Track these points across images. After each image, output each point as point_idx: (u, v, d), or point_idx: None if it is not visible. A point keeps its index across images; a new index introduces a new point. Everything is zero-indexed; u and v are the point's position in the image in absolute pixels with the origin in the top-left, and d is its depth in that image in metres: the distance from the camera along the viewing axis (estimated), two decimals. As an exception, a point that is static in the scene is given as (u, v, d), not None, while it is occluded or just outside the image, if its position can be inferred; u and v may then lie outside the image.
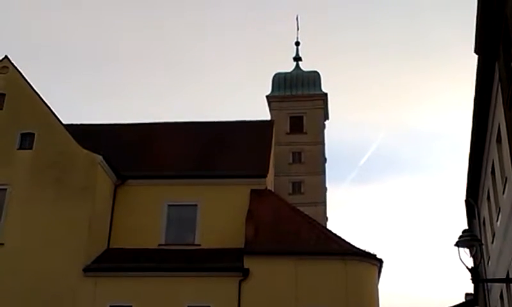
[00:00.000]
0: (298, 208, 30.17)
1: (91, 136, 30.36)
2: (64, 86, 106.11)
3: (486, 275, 19.94)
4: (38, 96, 28.34)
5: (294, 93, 54.54)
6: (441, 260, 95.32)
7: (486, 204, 18.55)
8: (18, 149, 27.39)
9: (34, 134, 27.59)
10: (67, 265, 25.11)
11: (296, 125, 52.62)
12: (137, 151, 31.31)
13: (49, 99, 28.83)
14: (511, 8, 10.91)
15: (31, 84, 28.59)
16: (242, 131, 33.16)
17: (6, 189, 26.68)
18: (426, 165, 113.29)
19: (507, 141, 13.17)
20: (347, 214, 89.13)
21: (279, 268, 24.80)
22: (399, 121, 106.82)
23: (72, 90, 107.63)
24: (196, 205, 28.48)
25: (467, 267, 12.26)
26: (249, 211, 27.00)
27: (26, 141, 27.54)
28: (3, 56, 28.98)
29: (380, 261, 26.26)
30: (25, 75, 28.73)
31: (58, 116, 28.27)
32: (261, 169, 29.55)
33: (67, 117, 41.79)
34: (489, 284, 20.11)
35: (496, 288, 18.38)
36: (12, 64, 28.78)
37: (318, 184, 50.66)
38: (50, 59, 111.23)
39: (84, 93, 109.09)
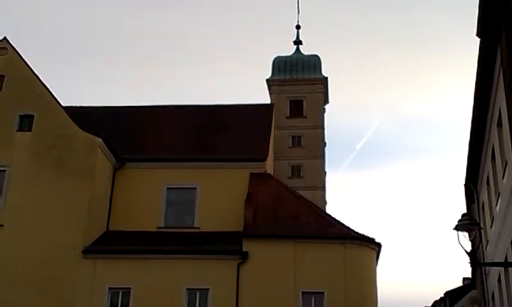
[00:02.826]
0: (297, 192, 30.19)
1: (91, 119, 30.29)
2: (63, 68, 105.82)
3: (484, 259, 20.00)
4: (37, 78, 28.22)
5: (294, 76, 54.37)
6: (439, 245, 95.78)
7: (486, 188, 18.56)
8: (17, 130, 27.33)
9: (33, 116, 27.51)
10: (66, 247, 25.16)
11: (296, 108, 52.53)
12: (137, 134, 31.27)
13: (48, 81, 28.78)
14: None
15: (30, 65, 28.47)
16: (242, 114, 33.07)
17: (5, 171, 26.65)
18: (425, 150, 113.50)
19: (507, 125, 13.13)
20: (345, 198, 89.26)
21: (278, 251, 24.86)
22: (398, 106, 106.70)
23: (71, 72, 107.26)
24: (195, 188, 28.49)
25: (466, 251, 12.29)
26: (248, 194, 27.00)
27: (25, 122, 27.47)
28: (2, 37, 28.81)
29: (378, 245, 26.33)
30: (24, 57, 28.61)
31: (57, 98, 28.20)
32: (260, 153, 29.53)
33: (66, 99, 41.61)
34: (487, 268, 20.19)
35: (494, 272, 18.44)
36: (11, 45, 28.62)
37: (317, 168, 50.67)
38: (50, 41, 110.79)
39: (83, 75, 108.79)
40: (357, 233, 25.89)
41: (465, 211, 21.91)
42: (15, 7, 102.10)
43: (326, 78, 54.45)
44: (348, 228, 26.24)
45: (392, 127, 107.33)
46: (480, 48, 13.77)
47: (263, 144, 30.36)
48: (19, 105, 27.64)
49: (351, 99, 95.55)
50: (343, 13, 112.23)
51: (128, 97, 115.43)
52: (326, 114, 54.29)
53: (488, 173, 17.61)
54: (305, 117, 52.26)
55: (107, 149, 27.67)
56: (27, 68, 28.35)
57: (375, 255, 26.38)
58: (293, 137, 51.46)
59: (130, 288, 24.79)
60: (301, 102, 52.94)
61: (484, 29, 13.00)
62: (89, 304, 24.50)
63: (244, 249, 24.94)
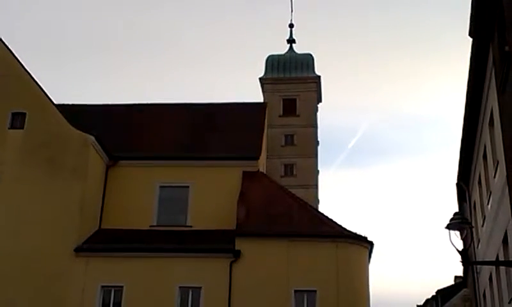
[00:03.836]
0: (290, 190, 30.23)
1: (83, 117, 30.17)
2: (55, 66, 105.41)
3: (475, 258, 20.10)
4: (29, 76, 28.07)
5: (287, 75, 54.38)
6: (431, 243, 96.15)
7: (477, 187, 18.65)
8: (9, 128, 27.19)
9: (25, 114, 27.37)
10: (58, 245, 25.10)
11: (289, 107, 52.56)
12: (130, 132, 31.19)
13: (41, 79, 28.62)
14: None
15: (23, 63, 28.34)
16: (235, 113, 33.05)
17: (-4, 169, 26.51)
18: (417, 149, 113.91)
19: (499, 125, 13.20)
20: (338, 196, 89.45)
21: (270, 250, 24.88)
22: (391, 105, 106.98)
23: (64, 70, 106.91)
24: (188, 187, 28.46)
25: (457, 249, 12.37)
26: (241, 193, 27.02)
27: (17, 120, 27.31)
28: (-6, 35, 28.69)
29: (371, 244, 26.42)
30: (16, 55, 28.47)
31: (50, 96, 28.08)
32: (253, 151, 29.52)
33: (59, 97, 41.47)
34: (478, 266, 20.29)
35: (485, 271, 18.54)
36: (3, 42, 28.46)
37: (310, 167, 50.73)
38: (43, 39, 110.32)
39: (76, 73, 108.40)
40: (349, 231, 25.95)
41: (457, 210, 22.03)
42: (8, 3, 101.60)
43: (319, 77, 54.52)
44: (340, 226, 26.29)
45: (384, 126, 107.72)
46: (472, 47, 13.84)
47: (256, 142, 30.36)
48: (11, 103, 27.48)
49: (343, 98, 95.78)
50: (336, 12, 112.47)
51: (121, 95, 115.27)
52: (319, 113, 54.38)
53: (480, 172, 17.70)
54: (298, 116, 52.31)
55: (99, 147, 27.59)
56: (20, 65, 28.18)
57: (367, 253, 26.45)
58: (286, 136, 51.49)
59: (122, 287, 24.75)
60: (294, 100, 52.97)
61: (477, 28, 13.07)
62: (81, 302, 24.45)
63: (237, 248, 24.94)
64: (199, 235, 26.37)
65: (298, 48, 57.67)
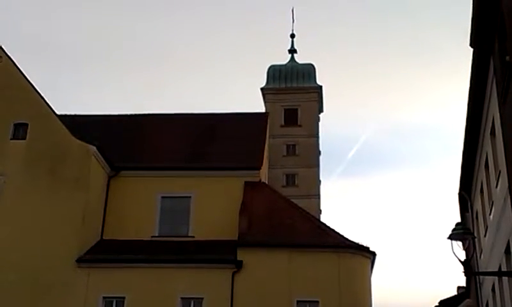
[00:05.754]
0: (292, 200, 30.20)
1: (85, 127, 30.21)
2: (54, 77, 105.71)
3: (478, 268, 20.02)
4: (31, 86, 28.16)
5: (288, 85, 54.53)
6: (433, 253, 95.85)
7: (479, 197, 18.60)
8: (11, 139, 27.24)
9: (27, 124, 27.43)
10: (60, 256, 25.08)
11: (291, 117, 52.68)
12: (131, 143, 31.22)
13: (43, 89, 28.70)
14: (506, 1, 10.90)
15: (25, 73, 28.42)
16: (237, 123, 33.10)
17: (-1, 180, 26.54)
18: (420, 158, 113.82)
19: (501, 134, 13.20)
20: (338, 206, 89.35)
21: (272, 260, 24.84)
22: (392, 115, 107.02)
23: (62, 81, 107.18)
24: (189, 197, 28.46)
25: (460, 260, 12.30)
26: (242, 203, 27.00)
27: (19, 131, 27.39)
28: (-4, 46, 28.75)
29: (373, 254, 26.35)
30: (18, 65, 28.55)
31: (52, 107, 28.14)
32: (255, 161, 29.54)
33: (61, 108, 41.52)
34: (481, 277, 20.19)
35: (488, 281, 18.46)
36: (6, 53, 28.56)
37: (312, 177, 50.75)
38: (44, 50, 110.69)
39: (75, 83, 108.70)
40: (351, 241, 25.90)
41: (459, 220, 21.95)
42: (11, 14, 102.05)
43: (321, 87, 54.61)
44: (342, 236, 26.24)
45: (386, 135, 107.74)
46: (473, 58, 13.85)
47: (257, 152, 30.37)
48: (13, 114, 27.56)
49: (344, 107, 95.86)
50: (337, 22, 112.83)
51: (123, 105, 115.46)
52: (320, 123, 54.44)
53: (482, 182, 17.66)
54: (300, 125, 52.40)
55: (101, 157, 27.61)
56: (22, 76, 28.27)
57: (369, 264, 26.38)
58: (287, 146, 51.56)
59: (124, 298, 24.71)
60: (295, 110, 53.08)
61: (477, 39, 13.08)
62: (83, 313, 24.39)
63: (239, 258, 24.90)
64: (201, 246, 26.33)
65: (299, 59, 57.88)
